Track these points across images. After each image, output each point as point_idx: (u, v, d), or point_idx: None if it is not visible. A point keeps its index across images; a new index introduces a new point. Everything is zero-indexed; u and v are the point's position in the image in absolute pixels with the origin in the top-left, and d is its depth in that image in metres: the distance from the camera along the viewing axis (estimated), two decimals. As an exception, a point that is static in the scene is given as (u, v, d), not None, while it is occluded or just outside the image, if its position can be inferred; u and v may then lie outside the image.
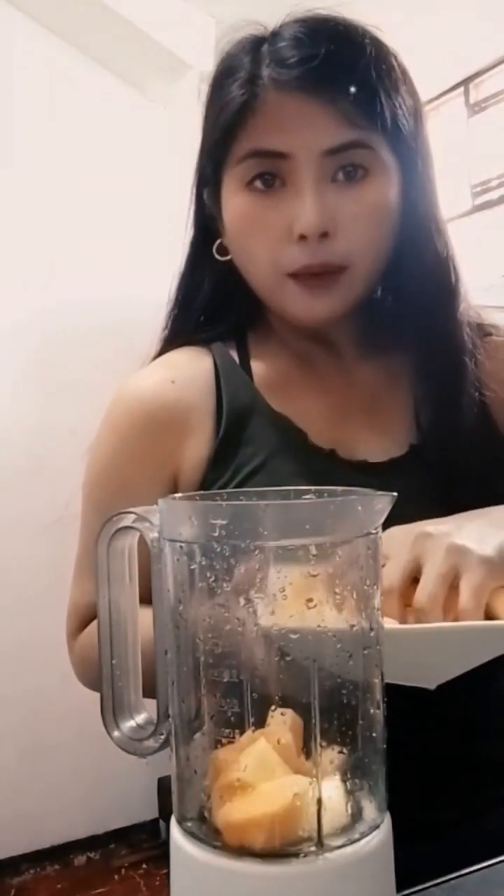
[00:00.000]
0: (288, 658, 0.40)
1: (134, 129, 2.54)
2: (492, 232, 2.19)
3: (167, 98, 2.53)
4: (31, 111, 2.38)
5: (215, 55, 0.79)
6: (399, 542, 0.57)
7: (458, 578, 0.54)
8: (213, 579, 0.41)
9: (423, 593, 0.53)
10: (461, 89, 2.29)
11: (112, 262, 2.42)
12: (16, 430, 2.36)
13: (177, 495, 0.46)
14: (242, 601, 0.40)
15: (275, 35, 0.74)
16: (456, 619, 0.53)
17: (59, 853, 2.39)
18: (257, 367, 0.82)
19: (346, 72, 0.70)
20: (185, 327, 0.85)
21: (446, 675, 0.54)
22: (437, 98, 2.34)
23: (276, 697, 0.40)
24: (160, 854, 2.34)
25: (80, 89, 2.47)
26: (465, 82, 2.28)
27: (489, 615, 0.54)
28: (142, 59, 2.49)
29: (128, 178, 2.49)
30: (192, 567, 0.41)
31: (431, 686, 0.55)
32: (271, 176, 0.72)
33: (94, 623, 0.75)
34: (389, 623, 0.51)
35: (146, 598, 0.47)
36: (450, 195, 2.24)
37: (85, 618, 0.78)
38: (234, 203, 0.75)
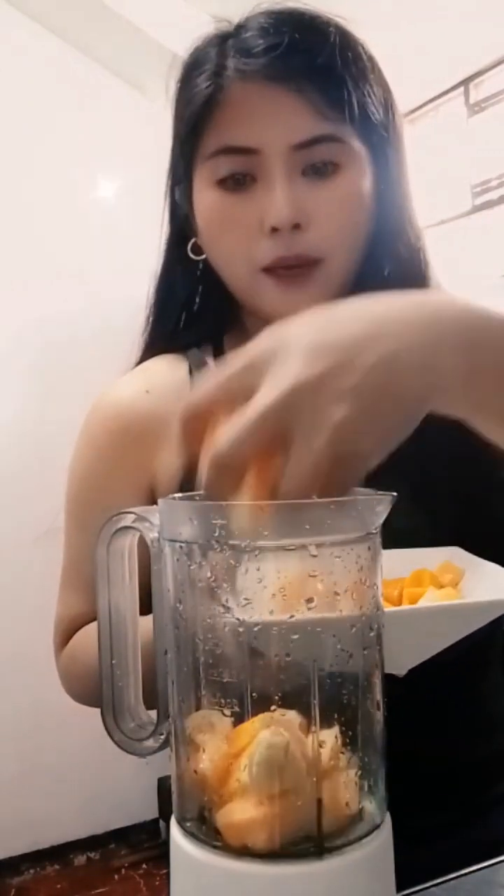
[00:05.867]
0: (288, 658, 0.40)
1: (134, 128, 2.54)
2: (492, 232, 2.19)
3: (167, 98, 2.53)
4: (31, 111, 2.38)
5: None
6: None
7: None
8: (213, 579, 0.41)
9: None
10: (461, 89, 2.29)
11: (112, 266, 2.41)
12: (15, 437, 2.36)
13: (177, 495, 0.46)
14: (243, 601, 0.40)
15: (240, 27, 0.73)
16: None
17: (59, 853, 2.39)
18: None
19: (310, 59, 0.68)
20: (163, 332, 0.84)
21: (413, 660, 0.53)
22: (437, 98, 2.33)
23: (276, 697, 0.40)
24: (160, 854, 2.34)
25: (79, 89, 2.46)
26: (465, 82, 2.27)
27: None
28: (142, 59, 2.48)
29: (128, 179, 2.49)
30: (192, 567, 0.41)
31: (401, 672, 0.53)
32: (241, 173, 0.71)
33: (77, 638, 0.75)
34: None
35: (146, 598, 0.47)
36: (450, 195, 2.23)
37: (68, 631, 0.77)
38: (205, 200, 0.74)
